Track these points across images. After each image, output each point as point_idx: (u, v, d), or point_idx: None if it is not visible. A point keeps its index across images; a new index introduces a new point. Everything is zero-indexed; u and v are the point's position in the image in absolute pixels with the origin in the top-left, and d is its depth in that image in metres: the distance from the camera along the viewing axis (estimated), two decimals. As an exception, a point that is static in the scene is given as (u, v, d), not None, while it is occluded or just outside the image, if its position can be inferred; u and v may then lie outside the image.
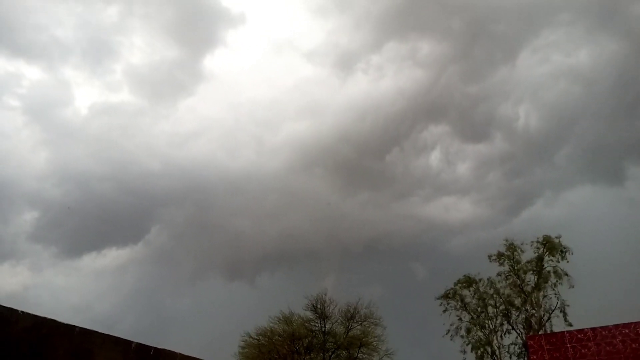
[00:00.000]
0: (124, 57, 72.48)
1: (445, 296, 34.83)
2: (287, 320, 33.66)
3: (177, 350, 7.84)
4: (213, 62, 79.30)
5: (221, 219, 69.44)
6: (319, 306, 33.92)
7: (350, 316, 33.70)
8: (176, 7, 70.93)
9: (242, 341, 32.95)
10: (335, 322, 34.18)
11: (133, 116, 70.20)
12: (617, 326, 21.77)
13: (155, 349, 7.05)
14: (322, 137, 70.80)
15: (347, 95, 72.69)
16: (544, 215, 57.74)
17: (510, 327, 33.03)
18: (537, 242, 33.46)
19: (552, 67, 65.49)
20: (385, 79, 71.89)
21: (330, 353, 33.07)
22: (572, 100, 63.66)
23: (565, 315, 31.17)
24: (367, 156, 73.15)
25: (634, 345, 20.93)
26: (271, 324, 33.42)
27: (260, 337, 32.96)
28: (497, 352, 32.55)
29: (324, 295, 34.22)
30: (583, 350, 22.01)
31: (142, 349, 6.73)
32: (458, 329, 33.75)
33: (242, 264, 62.75)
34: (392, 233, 64.89)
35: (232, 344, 33.18)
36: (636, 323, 21.47)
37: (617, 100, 61.90)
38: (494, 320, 33.54)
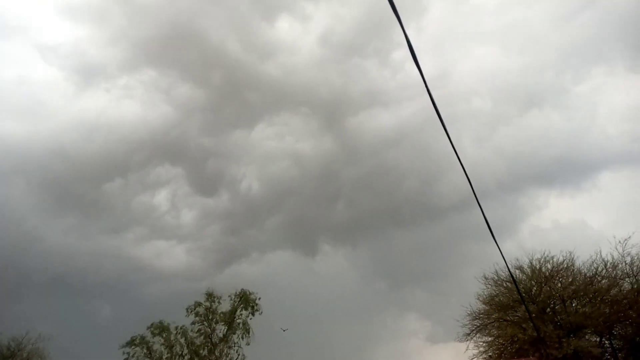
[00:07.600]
0: None
1: (131, 343, 32.64)
2: None
3: None
4: None
5: None
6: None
7: (11, 354, 27.92)
8: None
9: None
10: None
11: None
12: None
13: None
14: (36, 146, 60.82)
15: (81, 107, 65.27)
16: (247, 273, 62.13)
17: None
18: (235, 295, 35.41)
19: (282, 145, 74.51)
20: (131, 102, 68.00)
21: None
22: (290, 178, 73.32)
23: None
24: (85, 179, 65.57)
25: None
26: None
27: None
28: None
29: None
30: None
31: None
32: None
33: None
34: (89, 268, 58.43)
35: None
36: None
37: (321, 189, 74.63)
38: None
